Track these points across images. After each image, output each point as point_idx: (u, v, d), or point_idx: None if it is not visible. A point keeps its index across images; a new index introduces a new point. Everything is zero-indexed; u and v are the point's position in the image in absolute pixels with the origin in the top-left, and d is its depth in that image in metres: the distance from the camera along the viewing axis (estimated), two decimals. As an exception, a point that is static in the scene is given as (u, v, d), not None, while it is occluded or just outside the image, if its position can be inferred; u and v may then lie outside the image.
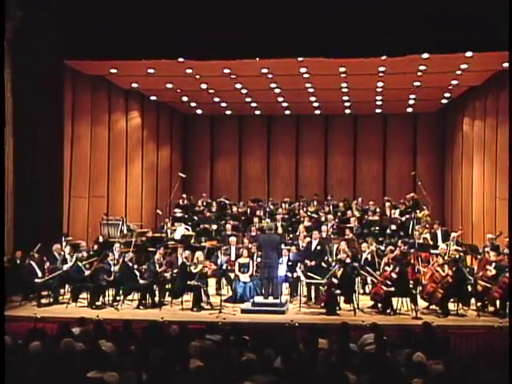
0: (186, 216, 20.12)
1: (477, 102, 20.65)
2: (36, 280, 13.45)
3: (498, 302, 12.49)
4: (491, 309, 12.65)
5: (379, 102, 22.85)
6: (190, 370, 6.66)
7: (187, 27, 14.44)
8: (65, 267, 13.71)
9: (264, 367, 6.68)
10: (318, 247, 14.03)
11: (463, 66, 17.00)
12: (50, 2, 14.49)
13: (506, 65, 16.45)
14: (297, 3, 14.08)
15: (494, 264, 12.93)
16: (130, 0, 14.43)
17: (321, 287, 13.09)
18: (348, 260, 13.37)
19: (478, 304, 12.69)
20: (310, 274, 13.10)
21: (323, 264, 13.53)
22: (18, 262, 13.89)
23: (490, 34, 13.78)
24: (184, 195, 22.21)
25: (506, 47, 14.68)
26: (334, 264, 13.37)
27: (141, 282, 13.38)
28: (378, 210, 20.12)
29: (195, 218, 19.89)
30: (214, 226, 18.76)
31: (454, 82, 19.34)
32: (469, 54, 15.35)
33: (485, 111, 19.80)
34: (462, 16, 13.69)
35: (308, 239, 14.73)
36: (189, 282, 13.08)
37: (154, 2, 14.41)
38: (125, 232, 17.87)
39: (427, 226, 17.37)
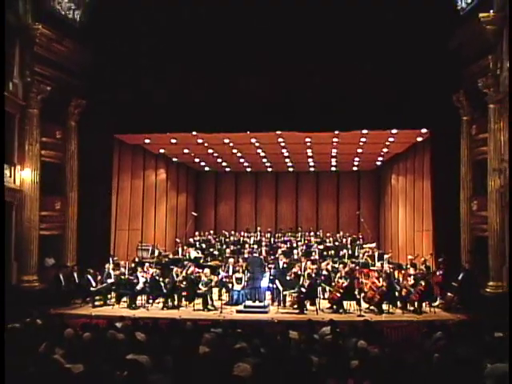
0: (197, 244, 20.04)
1: (400, 164, 20.91)
2: (91, 288, 13.40)
3: (416, 304, 12.52)
4: (411, 308, 12.65)
5: (334, 163, 22.98)
6: (199, 354, 6.59)
7: (199, 111, 14.56)
8: (109, 280, 13.68)
9: (253, 352, 6.59)
10: (285, 265, 14.30)
11: (391, 139, 17.24)
12: (104, 95, 14.68)
13: (419, 139, 16.85)
14: (273, 95, 14.26)
15: (412, 276, 13.00)
16: (158, 94, 14.57)
17: (293, 294, 13.03)
18: (313, 274, 13.37)
19: (402, 305, 12.75)
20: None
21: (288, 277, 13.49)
22: (75, 273, 13.78)
23: (408, 118, 14.09)
24: (197, 232, 22.10)
25: (419, 127, 15.14)
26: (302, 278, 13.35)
27: (164, 290, 13.32)
28: (331, 238, 20.29)
29: (203, 245, 19.82)
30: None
31: (385, 150, 19.56)
32: (394, 131, 15.64)
33: (406, 170, 20.06)
34: (391, 105, 13.94)
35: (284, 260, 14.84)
36: (199, 291, 13.07)
37: (174, 95, 14.59)
38: (155, 254, 17.72)
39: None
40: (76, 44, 14.00)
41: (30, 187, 13.05)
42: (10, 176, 12.67)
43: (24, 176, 12.98)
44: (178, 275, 13.58)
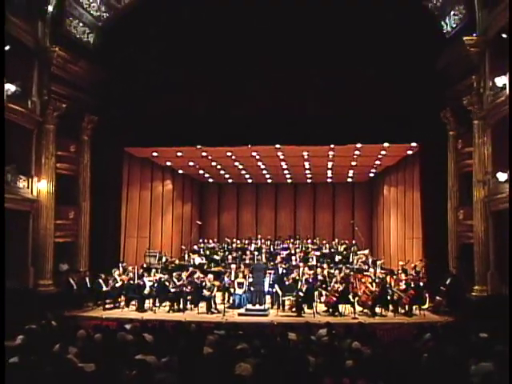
0: (201, 251, 19.98)
1: (392, 175, 20.91)
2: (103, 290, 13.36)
3: (406, 307, 12.52)
4: (402, 311, 12.64)
5: (330, 175, 22.95)
6: (203, 355, 6.57)
7: (203, 127, 14.67)
8: (116, 285, 13.62)
9: (253, 353, 6.58)
10: (284, 271, 14.31)
11: (383, 153, 17.31)
12: (114, 111, 14.83)
13: (409, 152, 16.93)
14: (273, 110, 14.34)
15: (403, 281, 12.99)
16: (165, 111, 14.69)
17: (291, 298, 13.01)
18: (310, 279, 13.36)
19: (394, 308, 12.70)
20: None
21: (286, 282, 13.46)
22: (87, 278, 13.78)
23: (399, 132, 14.22)
24: (200, 240, 22.04)
25: (409, 141, 15.22)
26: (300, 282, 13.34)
27: (170, 294, 13.26)
28: (327, 245, 20.23)
29: (207, 252, 19.78)
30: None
31: (377, 163, 19.58)
32: (386, 144, 15.69)
33: (397, 182, 20.09)
34: (383, 121, 14.03)
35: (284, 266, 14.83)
36: (203, 294, 13.08)
37: (179, 112, 14.69)
38: (162, 260, 17.68)
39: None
40: (89, 64, 14.15)
41: (46, 197, 13.13)
42: (28, 187, 12.76)
43: (40, 187, 13.05)
44: (178, 279, 13.51)
